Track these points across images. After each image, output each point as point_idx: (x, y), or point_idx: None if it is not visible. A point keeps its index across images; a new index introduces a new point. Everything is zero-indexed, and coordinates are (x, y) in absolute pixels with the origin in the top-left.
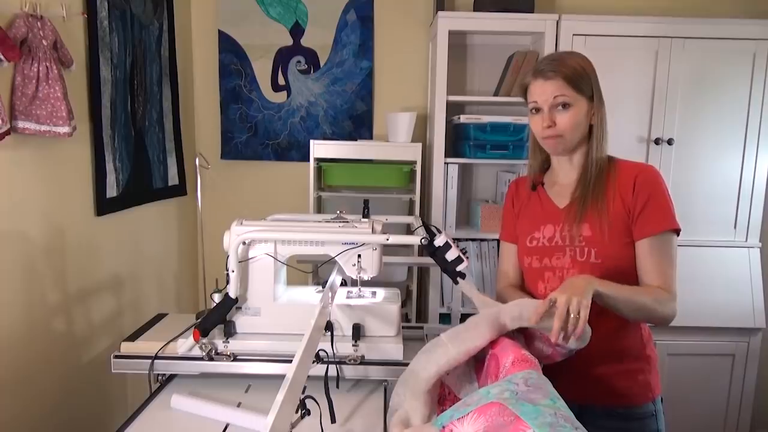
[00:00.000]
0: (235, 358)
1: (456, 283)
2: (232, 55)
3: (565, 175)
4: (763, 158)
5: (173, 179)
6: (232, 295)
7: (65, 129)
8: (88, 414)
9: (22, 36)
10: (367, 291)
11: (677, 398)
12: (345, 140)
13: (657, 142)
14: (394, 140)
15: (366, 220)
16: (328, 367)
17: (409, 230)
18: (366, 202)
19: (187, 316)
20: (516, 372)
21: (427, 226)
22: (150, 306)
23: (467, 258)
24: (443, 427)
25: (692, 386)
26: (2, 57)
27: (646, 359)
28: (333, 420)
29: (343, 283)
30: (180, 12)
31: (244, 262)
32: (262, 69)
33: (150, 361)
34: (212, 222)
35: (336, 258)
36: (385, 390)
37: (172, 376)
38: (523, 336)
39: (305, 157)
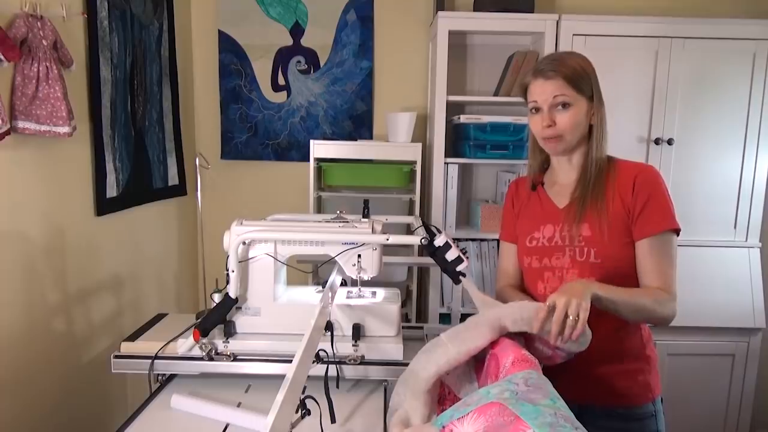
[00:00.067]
0: (235, 358)
1: (456, 283)
2: (232, 55)
3: (564, 175)
4: (763, 158)
5: (173, 179)
6: (232, 295)
7: (65, 129)
8: (88, 414)
9: (22, 36)
10: (367, 291)
11: (677, 398)
12: (345, 140)
13: (657, 142)
14: (394, 140)
15: (366, 220)
16: (328, 367)
17: (409, 230)
18: (366, 202)
19: (187, 316)
20: (516, 372)
21: (427, 226)
22: (150, 306)
23: (467, 258)
24: (443, 427)
25: (692, 386)
26: (2, 57)
27: (646, 359)
28: (333, 420)
29: (343, 283)
30: (180, 12)
31: (244, 262)
32: (262, 69)
33: (150, 361)
34: (212, 222)
35: (336, 258)
36: (385, 390)
37: (172, 376)
38: (524, 337)
39: (305, 157)
